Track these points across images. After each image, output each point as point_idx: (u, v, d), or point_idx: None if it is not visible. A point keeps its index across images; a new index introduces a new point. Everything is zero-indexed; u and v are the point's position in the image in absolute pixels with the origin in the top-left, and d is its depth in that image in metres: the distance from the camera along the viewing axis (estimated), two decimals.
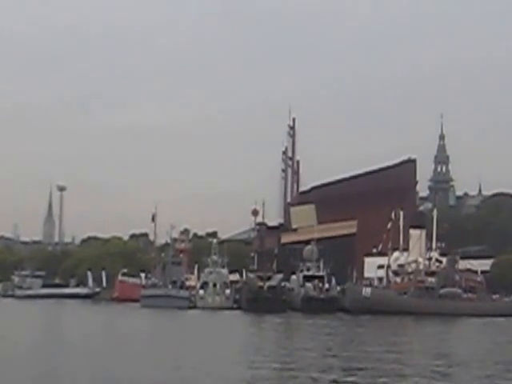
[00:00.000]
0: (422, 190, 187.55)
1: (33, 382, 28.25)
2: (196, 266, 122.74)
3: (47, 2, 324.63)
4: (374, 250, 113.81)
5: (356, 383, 29.91)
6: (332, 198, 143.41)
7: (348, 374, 31.86)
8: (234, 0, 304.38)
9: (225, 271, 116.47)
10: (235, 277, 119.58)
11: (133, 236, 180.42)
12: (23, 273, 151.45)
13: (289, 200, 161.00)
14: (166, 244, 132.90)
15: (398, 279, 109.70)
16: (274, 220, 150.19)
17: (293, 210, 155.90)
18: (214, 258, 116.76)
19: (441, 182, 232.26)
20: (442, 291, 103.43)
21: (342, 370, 33.93)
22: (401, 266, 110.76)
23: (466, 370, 36.01)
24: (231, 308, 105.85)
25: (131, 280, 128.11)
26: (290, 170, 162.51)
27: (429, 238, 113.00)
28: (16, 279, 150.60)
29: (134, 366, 34.42)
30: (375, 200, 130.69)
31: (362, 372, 33.21)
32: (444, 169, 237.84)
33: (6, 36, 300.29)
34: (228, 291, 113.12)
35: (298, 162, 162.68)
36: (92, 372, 31.26)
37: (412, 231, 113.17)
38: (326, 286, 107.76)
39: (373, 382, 30.46)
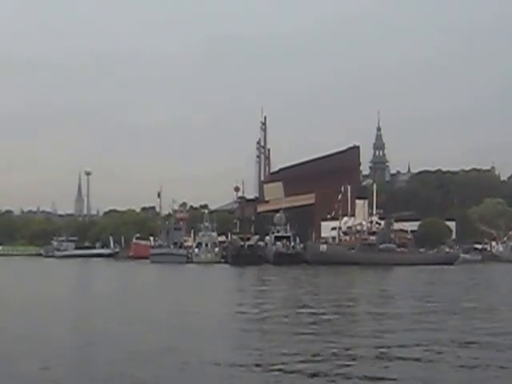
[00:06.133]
0: (364, 169, 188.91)
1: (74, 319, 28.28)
2: (192, 231, 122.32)
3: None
4: (328, 216, 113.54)
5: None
6: (295, 177, 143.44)
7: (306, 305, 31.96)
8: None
9: (214, 234, 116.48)
10: (222, 238, 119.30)
11: (143, 208, 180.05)
12: (60, 238, 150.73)
13: (262, 179, 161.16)
14: (169, 214, 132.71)
15: (347, 238, 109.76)
16: (251, 194, 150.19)
17: (265, 186, 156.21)
18: (206, 224, 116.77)
19: (378, 163, 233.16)
20: (381, 246, 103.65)
21: (305, 302, 34.17)
22: (349, 227, 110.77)
23: (393, 299, 36.45)
24: (219, 262, 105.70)
25: (143, 242, 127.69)
26: (262, 156, 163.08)
27: (370, 206, 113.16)
28: (55, 243, 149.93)
29: (145, 305, 34.49)
30: (328, 177, 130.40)
31: (316, 302, 33.40)
32: (381, 153, 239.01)
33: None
34: (217, 249, 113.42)
35: (269, 150, 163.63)
36: (116, 309, 31.42)
37: (357, 201, 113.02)
38: (292, 244, 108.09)
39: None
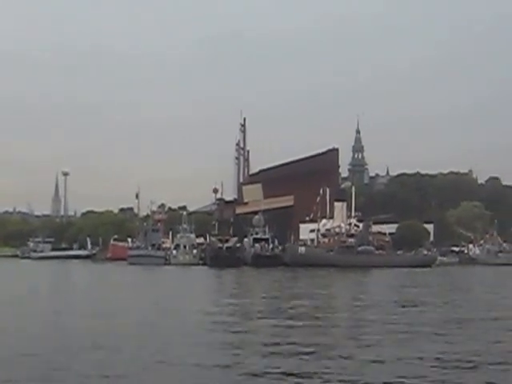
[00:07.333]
0: (343, 172, 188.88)
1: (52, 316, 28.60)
2: (170, 232, 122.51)
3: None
4: (307, 218, 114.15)
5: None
6: (274, 179, 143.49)
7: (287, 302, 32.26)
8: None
9: (192, 236, 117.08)
10: (201, 240, 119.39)
11: (121, 210, 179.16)
12: (37, 239, 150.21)
13: (241, 180, 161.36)
14: (147, 215, 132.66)
15: (326, 240, 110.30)
16: (230, 196, 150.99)
17: (244, 188, 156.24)
18: (184, 225, 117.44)
19: (357, 166, 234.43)
20: (359, 249, 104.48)
21: (285, 299, 34.46)
22: (328, 230, 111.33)
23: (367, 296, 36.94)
24: (198, 264, 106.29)
25: (120, 244, 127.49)
26: (241, 158, 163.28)
27: (349, 208, 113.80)
28: (31, 244, 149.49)
29: (125, 304, 34.87)
30: (307, 180, 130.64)
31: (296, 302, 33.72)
32: (360, 155, 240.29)
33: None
34: (195, 251, 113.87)
35: (248, 152, 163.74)
36: (92, 307, 31.75)
37: (336, 203, 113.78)
38: (271, 246, 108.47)
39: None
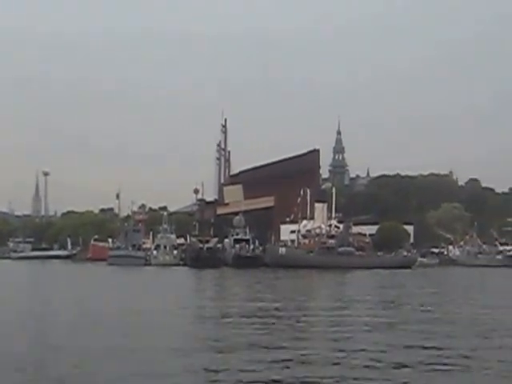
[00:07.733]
0: (324, 173, 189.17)
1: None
2: (151, 233, 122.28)
3: None
4: (288, 219, 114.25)
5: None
6: (255, 180, 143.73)
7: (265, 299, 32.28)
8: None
9: (173, 236, 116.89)
10: (181, 240, 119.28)
11: (102, 210, 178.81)
12: (17, 239, 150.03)
13: (222, 181, 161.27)
14: (128, 216, 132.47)
15: (306, 241, 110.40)
16: (211, 196, 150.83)
17: (225, 188, 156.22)
18: (165, 226, 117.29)
19: (338, 167, 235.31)
20: (340, 250, 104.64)
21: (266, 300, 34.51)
22: (308, 231, 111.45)
23: (346, 297, 36.85)
24: (178, 264, 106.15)
25: (101, 244, 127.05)
26: (222, 159, 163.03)
27: (329, 209, 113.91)
28: (11, 244, 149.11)
29: (106, 305, 34.81)
30: (288, 181, 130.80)
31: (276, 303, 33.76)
32: (340, 157, 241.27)
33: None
34: (176, 252, 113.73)
35: (229, 152, 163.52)
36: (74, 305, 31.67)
37: (316, 204, 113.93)
38: (251, 246, 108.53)
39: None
